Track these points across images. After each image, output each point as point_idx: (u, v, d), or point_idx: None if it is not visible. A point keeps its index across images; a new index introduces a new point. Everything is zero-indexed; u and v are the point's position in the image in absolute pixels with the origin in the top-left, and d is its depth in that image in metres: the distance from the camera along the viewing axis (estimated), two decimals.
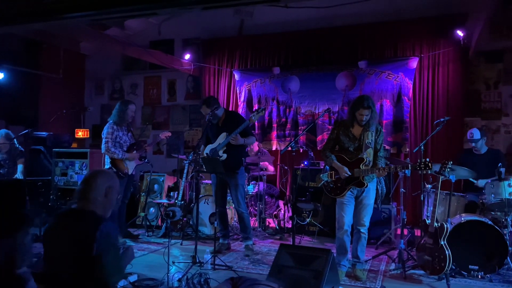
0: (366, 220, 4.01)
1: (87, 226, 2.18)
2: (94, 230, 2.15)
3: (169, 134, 5.51)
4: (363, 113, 3.90)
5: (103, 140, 4.89)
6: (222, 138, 4.73)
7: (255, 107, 7.39)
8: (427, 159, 3.78)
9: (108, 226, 2.23)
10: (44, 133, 6.70)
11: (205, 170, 4.72)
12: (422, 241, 3.99)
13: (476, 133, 4.93)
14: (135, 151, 5.10)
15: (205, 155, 4.77)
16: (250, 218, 5.29)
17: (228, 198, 5.10)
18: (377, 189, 4.15)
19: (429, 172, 3.84)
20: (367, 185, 3.91)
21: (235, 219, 5.65)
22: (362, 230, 4.02)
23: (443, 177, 3.93)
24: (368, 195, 3.99)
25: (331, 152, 4.11)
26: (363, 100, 3.94)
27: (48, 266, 2.24)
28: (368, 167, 3.93)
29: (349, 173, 3.91)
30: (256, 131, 7.30)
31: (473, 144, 4.95)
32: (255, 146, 6.23)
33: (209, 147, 4.82)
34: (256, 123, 7.25)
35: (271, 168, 6.69)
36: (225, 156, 4.69)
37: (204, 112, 4.76)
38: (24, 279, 2.43)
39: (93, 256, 2.12)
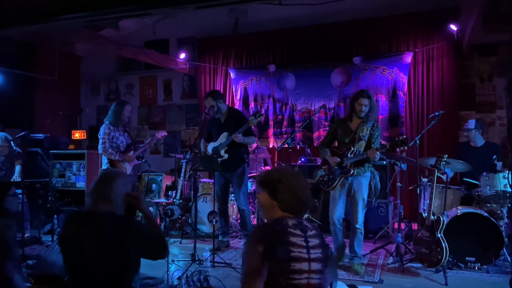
0: (361, 216, 4.07)
1: (117, 228, 2.13)
2: (125, 231, 2.12)
3: (165, 133, 5.49)
4: (362, 103, 3.99)
5: (100, 141, 4.88)
6: (223, 138, 4.73)
7: (251, 105, 7.41)
8: (404, 137, 3.87)
9: (134, 221, 2.25)
10: (41, 135, 6.69)
11: (201, 168, 4.73)
12: (419, 234, 4.03)
13: (471, 123, 4.98)
14: (132, 152, 5.08)
15: (209, 152, 4.78)
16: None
17: (231, 196, 5.12)
18: (370, 185, 4.19)
19: (405, 148, 3.90)
20: (353, 173, 3.99)
21: (233, 216, 5.68)
22: (357, 226, 4.09)
23: (438, 171, 3.97)
24: (360, 190, 4.05)
25: (326, 147, 4.24)
26: (363, 91, 4.13)
27: (75, 272, 2.17)
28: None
29: (338, 160, 4.03)
30: (253, 128, 7.29)
31: (465, 134, 4.99)
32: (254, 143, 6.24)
33: (212, 145, 4.82)
34: None
35: (267, 168, 6.69)
36: (226, 156, 4.69)
37: (208, 104, 4.75)
38: (9, 276, 2.40)
39: (127, 256, 2.11)
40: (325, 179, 4.17)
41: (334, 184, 4.07)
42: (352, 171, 3.99)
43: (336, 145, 4.26)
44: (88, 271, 2.10)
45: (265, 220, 2.10)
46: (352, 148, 4.01)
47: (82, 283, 2.13)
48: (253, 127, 7.12)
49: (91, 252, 2.08)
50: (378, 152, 3.87)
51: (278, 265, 1.77)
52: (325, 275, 1.90)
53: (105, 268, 2.08)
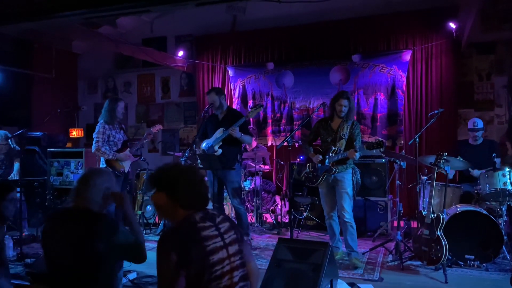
0: (346, 207, 4.16)
1: (87, 224, 2.16)
2: (95, 227, 2.14)
3: (160, 127, 5.41)
4: (342, 103, 4.18)
5: (94, 140, 4.83)
6: (218, 133, 4.72)
7: (250, 103, 7.39)
8: (380, 139, 4.05)
9: (106, 218, 2.24)
10: (38, 133, 6.66)
11: (201, 166, 4.71)
12: (419, 232, 4.03)
13: (479, 122, 4.99)
14: (128, 149, 5.01)
15: (202, 150, 4.76)
16: (247, 213, 5.29)
17: (224, 194, 5.10)
18: (352, 180, 4.33)
19: (381, 150, 4.08)
20: (335, 171, 4.15)
21: (232, 215, 5.66)
22: (346, 220, 4.15)
23: (438, 169, 3.97)
24: (343, 184, 4.19)
25: (310, 145, 4.45)
26: (343, 92, 4.33)
27: (51, 267, 2.20)
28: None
29: (320, 157, 4.22)
30: (251, 127, 7.29)
31: (476, 133, 4.97)
32: (253, 142, 6.23)
33: (206, 141, 4.81)
34: (251, 119, 7.24)
35: (266, 167, 6.63)
36: (220, 151, 4.68)
37: (211, 99, 4.76)
38: None
39: (98, 253, 2.11)
40: (309, 176, 4.38)
41: (319, 181, 4.28)
42: (334, 169, 4.16)
43: (320, 143, 4.43)
44: (60, 265, 2.15)
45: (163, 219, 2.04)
46: (333, 147, 4.19)
47: (56, 277, 2.17)
48: (251, 126, 7.15)
49: (62, 247, 2.13)
50: (357, 153, 4.06)
51: (197, 265, 1.72)
52: (244, 253, 1.91)
53: (75, 263, 2.11)
